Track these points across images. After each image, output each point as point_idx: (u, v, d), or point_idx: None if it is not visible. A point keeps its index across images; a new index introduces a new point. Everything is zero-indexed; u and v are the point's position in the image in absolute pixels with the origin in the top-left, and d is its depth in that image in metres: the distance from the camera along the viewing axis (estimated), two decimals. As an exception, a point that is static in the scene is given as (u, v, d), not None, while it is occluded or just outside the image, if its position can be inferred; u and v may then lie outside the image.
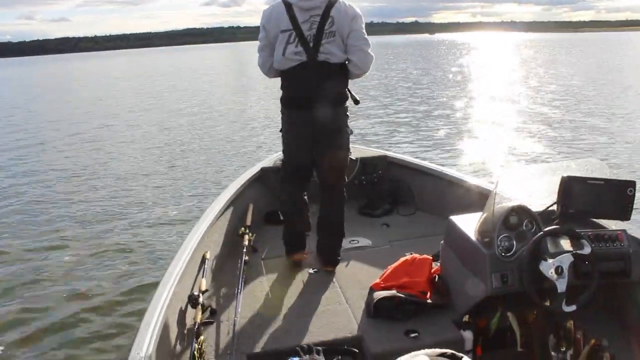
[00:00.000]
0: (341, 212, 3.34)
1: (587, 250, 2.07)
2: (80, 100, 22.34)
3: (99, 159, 10.30)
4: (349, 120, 3.26)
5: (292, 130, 3.24)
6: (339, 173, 3.30)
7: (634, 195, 2.19)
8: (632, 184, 2.20)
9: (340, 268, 3.26)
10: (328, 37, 3.01)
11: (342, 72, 3.12)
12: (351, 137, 3.31)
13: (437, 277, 2.66)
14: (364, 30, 3.10)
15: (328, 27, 3.00)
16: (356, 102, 3.32)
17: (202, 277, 2.82)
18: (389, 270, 2.81)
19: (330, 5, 3.01)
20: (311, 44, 3.02)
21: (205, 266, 2.95)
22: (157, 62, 76.35)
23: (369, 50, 3.10)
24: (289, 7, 3.01)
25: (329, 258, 3.32)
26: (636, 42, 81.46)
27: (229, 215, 3.67)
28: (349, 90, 3.21)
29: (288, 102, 3.19)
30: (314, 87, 3.05)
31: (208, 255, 3.04)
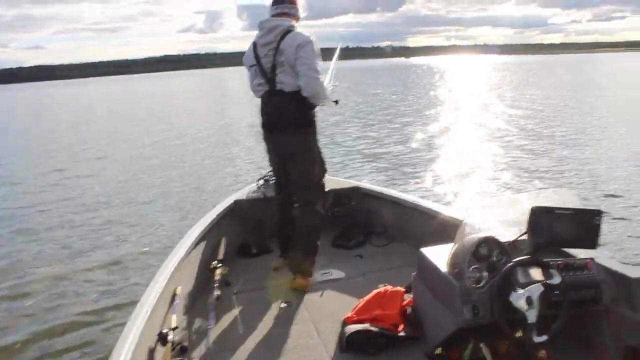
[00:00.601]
0: (313, 226, 3.54)
1: (556, 279, 2.07)
2: (49, 129, 22.05)
3: (66, 190, 10.03)
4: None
5: (268, 150, 3.69)
6: (307, 190, 3.56)
7: (600, 224, 2.21)
8: (598, 212, 2.21)
9: (314, 301, 3.23)
10: (280, 67, 3.33)
11: (299, 99, 3.35)
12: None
13: (409, 309, 2.64)
14: (311, 56, 3.29)
15: (279, 58, 3.31)
16: (335, 102, 3.72)
17: (173, 313, 2.76)
18: (361, 303, 2.78)
19: (282, 38, 3.32)
20: (269, 76, 3.39)
21: (176, 302, 2.89)
22: (133, 89, 75.94)
23: (315, 75, 3.29)
24: (254, 45, 3.45)
25: (299, 268, 3.48)
26: (604, 63, 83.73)
27: (201, 248, 3.62)
28: (310, 108, 3.46)
29: (262, 126, 3.58)
30: (276, 114, 3.44)
31: (179, 291, 2.98)
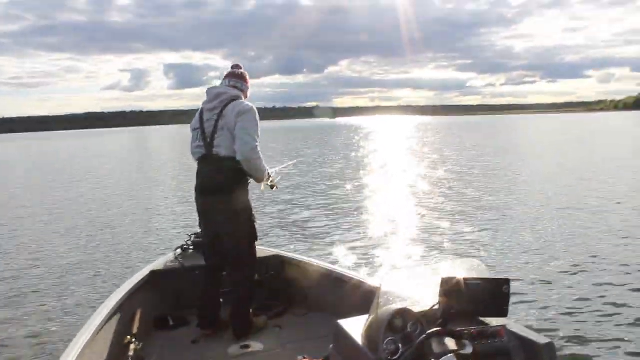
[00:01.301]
0: (245, 284, 3.66)
1: (469, 349, 2.08)
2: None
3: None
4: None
5: (198, 212, 3.73)
6: (239, 258, 3.65)
7: (509, 292, 2.26)
8: (506, 281, 2.27)
9: None
10: (220, 131, 3.48)
11: (234, 164, 3.47)
12: None
13: (327, 382, 2.58)
14: (250, 123, 3.47)
15: (220, 122, 3.48)
16: (272, 187, 3.96)
17: None
18: (279, 378, 2.70)
19: (226, 105, 3.51)
20: (208, 140, 3.53)
21: None
22: (52, 146, 73.09)
23: (250, 141, 3.45)
24: (201, 111, 3.64)
25: (237, 327, 3.59)
26: (516, 125, 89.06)
27: (115, 323, 3.41)
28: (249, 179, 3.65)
29: (195, 188, 3.68)
30: (209, 177, 3.56)
31: None
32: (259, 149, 3.51)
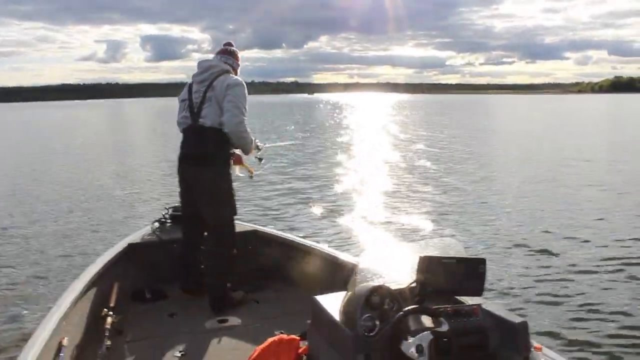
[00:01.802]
0: (223, 257, 3.66)
1: (445, 327, 2.11)
2: None
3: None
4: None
5: (179, 182, 3.81)
6: (217, 231, 3.70)
7: (484, 271, 2.29)
8: (482, 261, 2.30)
9: (210, 350, 3.11)
10: (207, 102, 3.53)
11: (217, 136, 3.53)
12: None
13: (304, 358, 2.60)
14: (239, 96, 3.54)
15: (209, 93, 3.54)
16: (259, 159, 4.13)
17: None
18: (255, 353, 2.70)
19: (216, 77, 3.57)
20: (195, 110, 3.58)
21: (62, 354, 2.68)
22: (26, 118, 71.56)
23: (238, 113, 3.51)
24: (191, 83, 3.71)
25: (215, 301, 3.61)
26: (494, 104, 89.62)
27: (92, 295, 3.40)
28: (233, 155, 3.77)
29: (178, 158, 3.74)
30: (193, 147, 3.61)
31: (65, 342, 2.76)
32: (246, 122, 3.59)
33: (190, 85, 3.70)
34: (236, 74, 3.81)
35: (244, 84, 3.63)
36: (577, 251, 7.28)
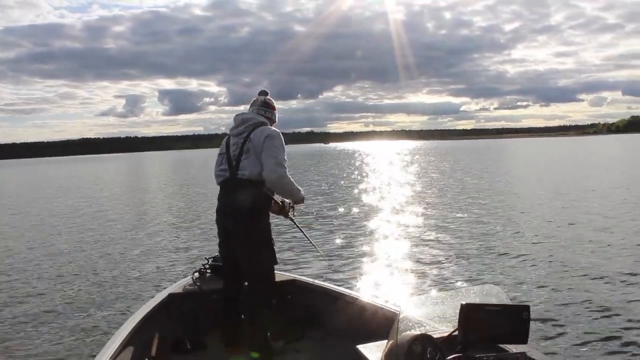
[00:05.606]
0: (263, 308, 3.65)
1: (489, 375, 2.09)
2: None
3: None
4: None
5: (219, 233, 3.82)
6: (258, 282, 3.68)
7: (529, 318, 2.27)
8: (526, 308, 2.29)
9: None
10: (245, 154, 3.55)
11: (256, 187, 3.54)
12: None
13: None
14: (278, 150, 3.53)
15: (247, 146, 3.55)
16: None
17: None
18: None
19: (253, 129, 3.60)
20: (233, 163, 3.60)
21: None
22: (50, 172, 72.63)
23: (278, 168, 3.49)
24: (228, 137, 3.76)
25: (255, 352, 3.57)
26: (510, 148, 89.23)
27: (134, 345, 3.45)
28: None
29: (217, 211, 3.78)
30: (231, 199, 3.60)
31: None
32: (287, 172, 3.59)
33: (228, 139, 3.75)
34: (272, 124, 3.84)
35: (281, 135, 3.64)
36: (620, 290, 6.97)
